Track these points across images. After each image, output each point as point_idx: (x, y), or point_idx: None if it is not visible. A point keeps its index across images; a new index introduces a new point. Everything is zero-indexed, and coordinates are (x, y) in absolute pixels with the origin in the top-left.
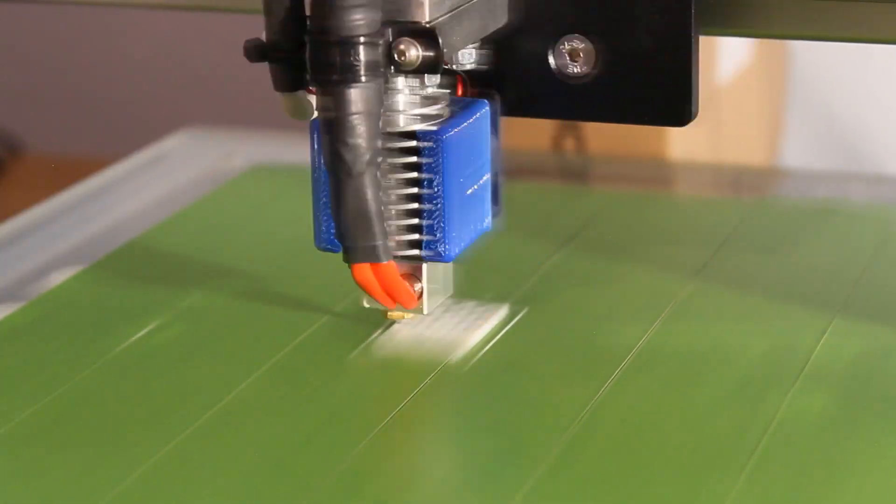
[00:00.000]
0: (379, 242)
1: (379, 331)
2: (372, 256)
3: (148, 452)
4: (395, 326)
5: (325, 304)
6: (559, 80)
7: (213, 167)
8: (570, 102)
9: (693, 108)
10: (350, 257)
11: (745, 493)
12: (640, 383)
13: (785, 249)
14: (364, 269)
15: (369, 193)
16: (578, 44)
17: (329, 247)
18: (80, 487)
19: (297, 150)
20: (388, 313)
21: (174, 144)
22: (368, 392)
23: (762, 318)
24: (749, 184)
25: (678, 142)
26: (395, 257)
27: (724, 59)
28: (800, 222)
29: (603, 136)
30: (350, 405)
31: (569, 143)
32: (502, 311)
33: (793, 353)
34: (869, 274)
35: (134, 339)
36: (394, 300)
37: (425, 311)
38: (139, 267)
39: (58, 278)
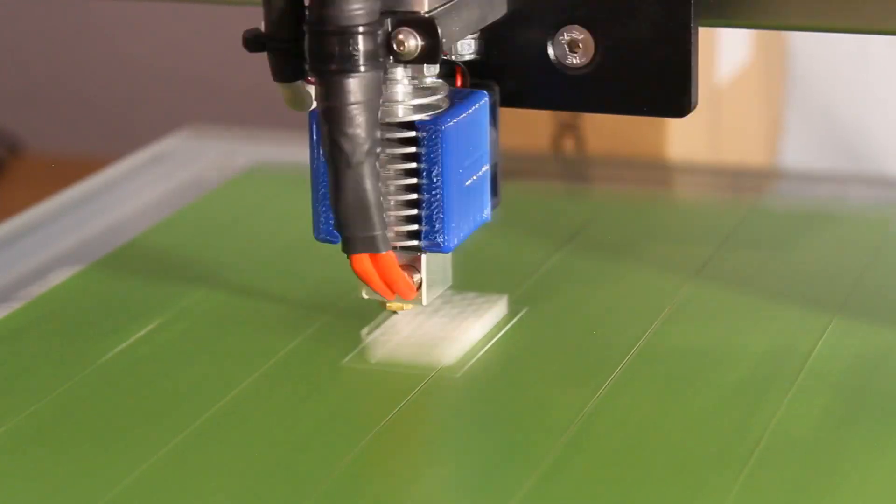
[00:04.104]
0: (378, 233)
1: (376, 328)
2: (370, 247)
3: (146, 453)
4: (393, 323)
5: (323, 305)
6: (558, 70)
7: (212, 167)
8: (569, 93)
9: (692, 100)
10: (349, 248)
11: (743, 494)
12: (638, 384)
13: (784, 250)
14: (363, 260)
15: (368, 184)
16: (577, 34)
17: (328, 238)
18: (80, 487)
19: (296, 150)
20: (387, 304)
21: (173, 144)
22: (367, 392)
23: (761, 319)
24: (748, 184)
25: (678, 142)
26: (394, 248)
27: (724, 58)
28: (799, 223)
29: (602, 136)
30: (348, 406)
31: (568, 143)
32: (501, 304)
33: (792, 353)
34: (868, 274)
35: (132, 340)
36: (392, 291)
37: (424, 303)
38: (138, 267)
39: (57, 278)
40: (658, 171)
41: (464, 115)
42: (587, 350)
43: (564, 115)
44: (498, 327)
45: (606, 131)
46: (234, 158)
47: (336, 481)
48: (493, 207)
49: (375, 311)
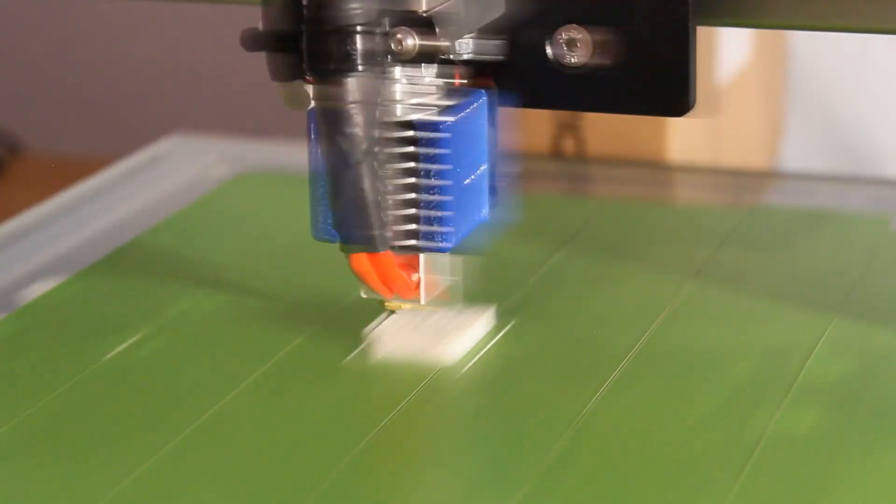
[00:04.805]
0: (376, 232)
1: (374, 328)
2: (369, 246)
3: (146, 453)
4: (392, 322)
5: (323, 305)
6: (557, 70)
7: (212, 167)
8: (568, 93)
9: (691, 99)
10: (347, 247)
11: (743, 494)
12: (638, 384)
13: (784, 250)
14: (361, 259)
15: (366, 183)
16: (576, 34)
17: (327, 237)
18: (80, 487)
19: (294, 151)
20: (386, 303)
21: (173, 145)
22: (368, 392)
23: (761, 319)
24: (747, 186)
25: (677, 142)
26: (393, 247)
27: (724, 59)
28: (799, 223)
29: (602, 137)
30: (346, 408)
31: (568, 145)
32: (492, 310)
33: (792, 353)
34: (868, 274)
35: (131, 340)
36: (391, 290)
37: (422, 302)
38: (137, 267)
39: (57, 279)
40: (658, 171)
41: (463, 114)
42: (587, 350)
43: (564, 115)
44: (498, 327)
45: (606, 131)
46: (233, 158)
47: (337, 480)
48: (493, 207)
49: (375, 311)
